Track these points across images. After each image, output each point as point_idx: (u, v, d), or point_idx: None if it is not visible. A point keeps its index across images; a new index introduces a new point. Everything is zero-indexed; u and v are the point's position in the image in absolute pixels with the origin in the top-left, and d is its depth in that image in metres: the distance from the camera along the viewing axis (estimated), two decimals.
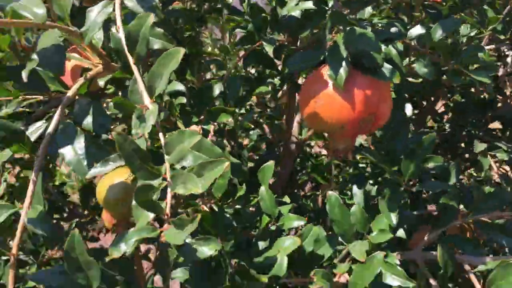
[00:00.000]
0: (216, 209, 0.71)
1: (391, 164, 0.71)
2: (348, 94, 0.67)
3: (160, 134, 0.55)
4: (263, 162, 1.16)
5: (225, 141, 1.28)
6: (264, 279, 0.59)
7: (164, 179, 0.52)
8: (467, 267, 0.66)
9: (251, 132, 1.69)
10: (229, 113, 0.78)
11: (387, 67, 0.68)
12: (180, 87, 0.77)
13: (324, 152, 1.86)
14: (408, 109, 1.02)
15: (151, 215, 0.55)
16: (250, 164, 1.40)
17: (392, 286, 0.64)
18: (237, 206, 0.74)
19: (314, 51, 0.73)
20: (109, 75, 0.77)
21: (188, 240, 0.49)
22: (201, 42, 1.03)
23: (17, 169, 1.16)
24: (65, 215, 1.34)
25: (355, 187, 1.00)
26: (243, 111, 1.44)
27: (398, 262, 0.70)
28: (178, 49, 0.59)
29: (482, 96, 1.50)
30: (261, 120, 1.63)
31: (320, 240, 0.74)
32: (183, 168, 0.55)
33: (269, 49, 0.84)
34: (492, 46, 0.97)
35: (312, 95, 0.70)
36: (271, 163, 0.82)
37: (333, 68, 0.67)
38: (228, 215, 0.72)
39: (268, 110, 1.59)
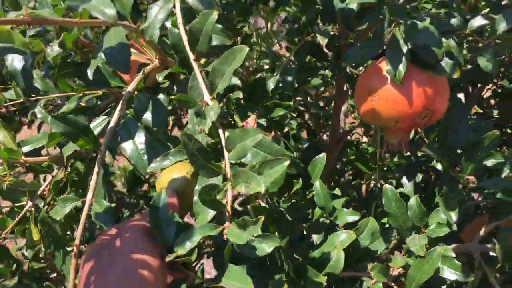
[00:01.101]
0: (271, 203, 0.73)
1: (450, 159, 0.71)
2: (406, 90, 0.67)
3: (220, 131, 0.56)
4: (308, 152, 1.17)
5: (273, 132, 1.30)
6: (324, 278, 0.60)
7: (225, 177, 0.53)
8: None
9: (291, 121, 1.69)
10: (285, 107, 0.79)
11: (447, 62, 0.67)
12: (236, 81, 0.79)
13: (365, 139, 1.84)
14: (461, 96, 1.01)
15: (212, 213, 0.57)
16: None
17: (448, 280, 0.64)
18: (293, 201, 0.75)
19: (373, 44, 0.72)
20: (166, 71, 0.79)
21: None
22: (250, 34, 1.04)
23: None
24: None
25: (404, 178, 1.00)
26: None
27: (454, 255, 0.70)
28: (242, 47, 0.59)
29: None
30: (301, 108, 1.64)
31: (375, 234, 0.75)
32: (242, 164, 0.57)
33: (323, 41, 0.84)
34: None
35: (369, 90, 0.71)
36: (323, 155, 0.83)
37: (392, 63, 0.67)
38: (283, 210, 0.74)
39: (309, 98, 1.59)
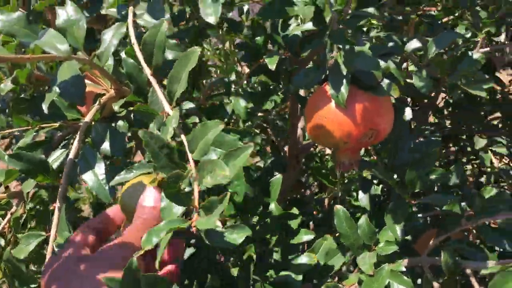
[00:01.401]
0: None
1: (395, 176, 0.74)
2: (349, 111, 0.70)
3: (182, 136, 0.56)
4: (272, 167, 1.19)
5: None
6: None
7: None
8: (468, 271, 0.69)
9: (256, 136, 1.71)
10: (238, 133, 0.80)
11: (385, 82, 0.71)
12: (191, 105, 0.80)
13: (328, 151, 1.88)
14: (408, 113, 1.05)
15: (180, 209, 0.55)
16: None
17: None
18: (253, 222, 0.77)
19: (317, 70, 0.75)
20: (122, 100, 0.80)
21: (218, 229, 0.49)
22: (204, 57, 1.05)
23: None
24: None
25: (360, 193, 1.03)
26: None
27: (404, 269, 0.73)
28: (194, 49, 0.60)
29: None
30: (264, 125, 1.66)
31: (332, 251, 0.77)
32: None
33: (271, 66, 0.86)
34: (487, 49, 0.99)
35: (316, 112, 0.73)
36: (279, 177, 0.85)
37: (334, 86, 0.70)
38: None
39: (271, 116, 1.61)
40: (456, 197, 0.78)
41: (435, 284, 0.73)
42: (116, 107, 0.78)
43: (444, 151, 1.69)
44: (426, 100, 1.63)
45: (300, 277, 0.66)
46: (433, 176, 0.72)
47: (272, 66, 0.86)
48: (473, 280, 0.68)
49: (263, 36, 0.89)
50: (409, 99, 1.68)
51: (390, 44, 0.75)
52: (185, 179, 0.51)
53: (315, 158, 1.72)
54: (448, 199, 0.71)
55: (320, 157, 1.75)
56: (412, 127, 1.66)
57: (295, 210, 0.89)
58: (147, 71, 0.64)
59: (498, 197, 0.79)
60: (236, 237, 0.49)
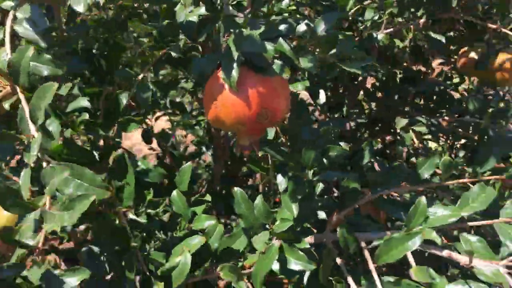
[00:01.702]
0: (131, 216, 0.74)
1: (295, 156, 0.75)
2: (241, 94, 0.70)
3: (44, 164, 0.58)
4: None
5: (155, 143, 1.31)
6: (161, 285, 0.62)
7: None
8: (363, 244, 0.72)
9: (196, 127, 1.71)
10: (138, 122, 0.79)
11: (277, 63, 0.72)
12: (85, 103, 0.78)
13: None
14: (322, 96, 1.07)
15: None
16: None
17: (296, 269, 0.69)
18: (149, 211, 0.76)
19: (213, 55, 0.75)
20: (14, 97, 0.77)
21: (56, 272, 0.51)
22: (122, 47, 1.03)
23: None
24: None
25: (279, 176, 1.05)
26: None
27: (308, 246, 0.75)
28: (51, 84, 0.62)
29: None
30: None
31: (236, 234, 0.78)
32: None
33: (174, 54, 0.86)
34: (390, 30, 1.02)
35: (211, 98, 0.73)
36: (187, 165, 0.85)
37: (226, 70, 0.70)
38: (144, 221, 0.74)
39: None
40: (352, 174, 0.80)
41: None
42: (6, 105, 0.76)
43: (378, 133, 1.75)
44: (356, 83, 1.68)
45: (188, 259, 0.66)
46: (333, 154, 0.73)
47: (176, 54, 0.86)
48: (366, 253, 0.70)
49: (167, 25, 0.89)
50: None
51: (282, 27, 0.76)
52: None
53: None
54: (341, 175, 0.73)
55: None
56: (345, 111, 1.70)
57: (208, 197, 0.90)
58: (17, 88, 0.66)
59: (396, 171, 0.82)
60: (74, 280, 0.52)
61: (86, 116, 0.74)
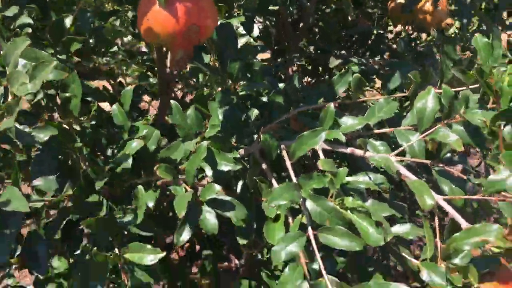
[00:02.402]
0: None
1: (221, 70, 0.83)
2: (170, 9, 0.76)
3: None
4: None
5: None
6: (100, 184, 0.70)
7: None
8: (283, 146, 0.81)
9: None
10: (79, 41, 0.84)
11: None
12: (27, 20, 0.81)
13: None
14: (256, 30, 1.14)
15: None
16: None
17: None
18: (93, 123, 0.82)
19: None
20: None
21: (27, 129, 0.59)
22: None
23: None
24: None
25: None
26: None
27: (238, 156, 0.83)
28: None
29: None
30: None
31: (174, 146, 0.85)
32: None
33: None
34: None
35: (143, 13, 0.79)
36: (129, 88, 0.91)
37: None
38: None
39: None
40: (278, 90, 0.88)
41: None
42: None
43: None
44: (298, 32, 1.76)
45: (130, 159, 0.73)
46: (256, 68, 0.81)
47: None
48: (284, 153, 0.79)
49: None
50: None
51: None
52: None
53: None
54: (264, 86, 0.81)
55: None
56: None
57: (147, 119, 0.96)
58: None
59: (316, 90, 0.92)
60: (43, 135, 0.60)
61: (29, 30, 0.77)
